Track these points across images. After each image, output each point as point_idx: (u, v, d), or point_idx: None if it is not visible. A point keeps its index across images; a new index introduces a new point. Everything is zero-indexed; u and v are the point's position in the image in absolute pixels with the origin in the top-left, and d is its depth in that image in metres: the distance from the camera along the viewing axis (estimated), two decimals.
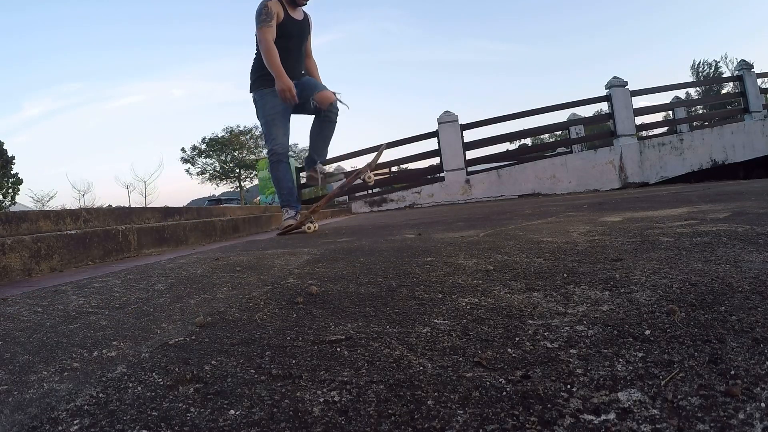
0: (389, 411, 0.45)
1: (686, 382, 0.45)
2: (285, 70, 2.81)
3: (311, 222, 2.97)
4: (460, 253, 1.34)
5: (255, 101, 3.03)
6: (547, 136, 13.32)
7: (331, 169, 3.22)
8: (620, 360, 0.51)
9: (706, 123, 10.49)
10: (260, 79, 2.94)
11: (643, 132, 10.12)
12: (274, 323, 0.78)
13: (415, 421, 0.42)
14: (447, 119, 7.73)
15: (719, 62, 28.00)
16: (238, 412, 0.47)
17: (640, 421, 0.39)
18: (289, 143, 3.04)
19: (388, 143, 8.09)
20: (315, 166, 3.16)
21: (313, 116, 3.08)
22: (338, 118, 3.08)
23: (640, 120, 8.22)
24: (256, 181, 24.61)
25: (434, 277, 1.03)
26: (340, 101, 2.98)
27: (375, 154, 3.25)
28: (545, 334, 0.61)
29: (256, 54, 2.98)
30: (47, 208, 10.03)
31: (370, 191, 9.94)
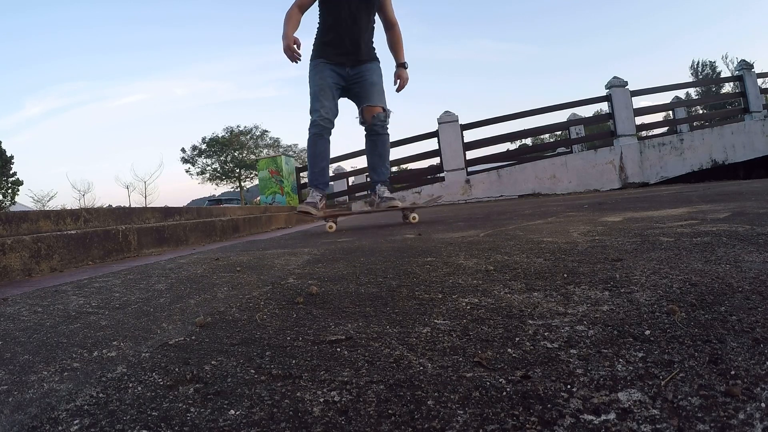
0: (389, 411, 0.45)
1: (686, 382, 0.45)
2: (336, 39, 2.77)
3: (334, 222, 2.95)
4: (461, 253, 1.34)
5: (309, 70, 2.94)
6: (547, 136, 13.35)
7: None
8: (620, 360, 0.51)
9: (707, 123, 10.49)
10: (314, 50, 2.90)
11: (643, 132, 10.13)
12: (274, 323, 0.78)
13: (415, 421, 0.42)
14: (447, 119, 7.74)
15: (715, 62, 28.08)
16: (238, 412, 0.47)
17: (641, 422, 0.39)
18: (334, 120, 2.86)
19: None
20: (375, 188, 3.02)
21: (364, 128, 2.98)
22: (388, 130, 2.95)
23: (640, 120, 8.23)
24: (256, 181, 24.61)
25: (434, 277, 1.03)
26: (386, 114, 2.90)
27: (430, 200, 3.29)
28: (545, 334, 0.61)
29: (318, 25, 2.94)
30: (47, 208, 10.05)
31: (370, 191, 9.94)
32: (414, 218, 2.98)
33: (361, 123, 2.93)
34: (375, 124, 2.88)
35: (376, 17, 2.96)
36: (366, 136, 2.98)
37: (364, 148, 3.03)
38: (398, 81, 2.95)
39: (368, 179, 3.07)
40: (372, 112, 2.85)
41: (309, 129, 2.84)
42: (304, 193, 10.98)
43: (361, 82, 2.88)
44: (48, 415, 0.50)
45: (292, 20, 2.74)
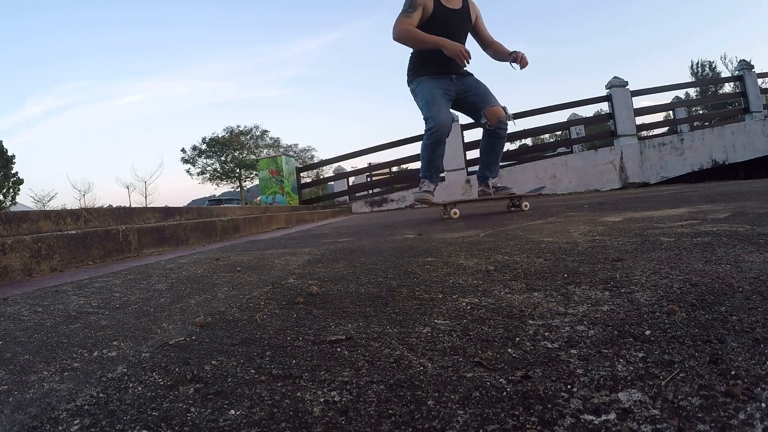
0: (389, 411, 0.45)
1: (687, 382, 0.45)
2: (443, 62, 2.79)
3: (455, 210, 3.13)
4: (461, 253, 1.34)
5: (413, 91, 2.97)
6: (547, 136, 13.33)
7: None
8: (621, 360, 0.51)
9: (707, 123, 10.49)
10: (416, 69, 2.92)
11: (644, 132, 10.12)
12: (274, 323, 0.78)
13: (416, 421, 0.42)
14: None
15: (713, 62, 28.01)
16: (238, 412, 0.47)
17: (641, 422, 0.39)
18: (451, 126, 2.88)
19: (387, 143, 8.11)
20: (487, 182, 3.16)
21: (481, 129, 3.05)
22: (506, 133, 3.02)
23: (640, 120, 8.21)
24: (256, 181, 24.61)
25: (435, 277, 1.03)
26: (508, 116, 2.94)
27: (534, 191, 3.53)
28: (545, 334, 0.61)
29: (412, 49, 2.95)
30: (48, 208, 10.05)
31: (370, 191, 9.94)
32: (526, 206, 3.18)
33: (485, 125, 2.97)
34: (500, 128, 2.94)
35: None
36: (486, 135, 3.04)
37: (486, 144, 3.09)
38: (518, 63, 2.91)
39: (477, 173, 3.21)
40: (497, 114, 2.88)
41: (426, 135, 2.86)
42: (306, 193, 10.98)
43: (474, 90, 2.94)
44: (48, 415, 0.50)
45: (416, 31, 2.73)
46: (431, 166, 2.96)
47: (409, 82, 2.99)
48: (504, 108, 2.92)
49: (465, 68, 2.93)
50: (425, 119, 2.86)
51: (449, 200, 3.50)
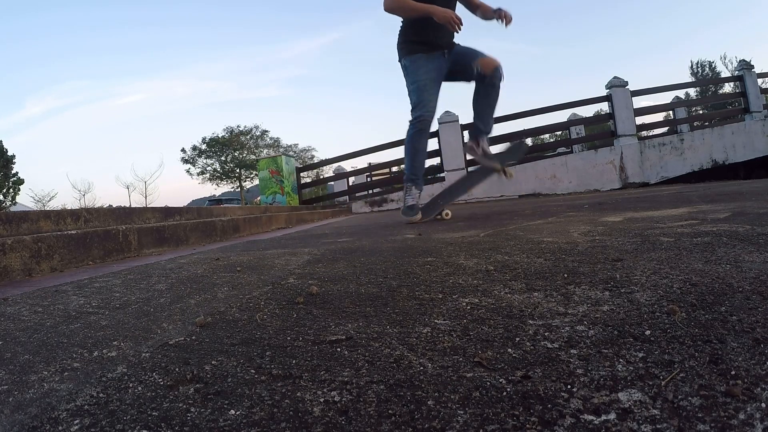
0: (389, 411, 0.45)
1: (687, 382, 0.45)
2: (433, 33, 2.73)
3: (446, 211, 3.04)
4: (461, 253, 1.34)
5: (405, 67, 2.88)
6: (547, 136, 13.34)
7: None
8: (621, 360, 0.51)
9: (707, 123, 10.49)
10: (410, 44, 2.84)
11: (644, 132, 10.12)
12: (274, 323, 0.78)
13: (416, 421, 0.42)
14: (447, 119, 7.73)
15: (713, 62, 28.02)
16: (238, 412, 0.47)
17: (641, 422, 0.39)
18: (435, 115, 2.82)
19: (387, 143, 8.11)
20: (479, 138, 2.97)
21: (474, 84, 2.90)
22: (501, 84, 2.88)
23: (640, 120, 8.21)
24: (256, 181, 24.62)
25: (435, 278, 1.03)
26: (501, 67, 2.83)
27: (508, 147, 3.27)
28: (545, 334, 0.61)
29: (402, 21, 2.89)
30: (48, 208, 10.06)
31: (370, 191, 9.93)
32: (511, 174, 3.04)
33: (479, 75, 2.84)
34: (496, 77, 2.82)
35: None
36: (480, 87, 2.90)
37: (481, 95, 2.94)
38: (502, 19, 2.85)
39: (470, 129, 3.02)
40: (492, 63, 2.78)
41: (412, 124, 2.82)
42: (306, 193, 10.98)
43: (463, 53, 2.86)
44: (48, 415, 0.50)
45: (408, 0, 2.67)
46: (416, 160, 2.90)
47: (401, 57, 2.92)
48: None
49: (454, 38, 2.85)
50: (413, 106, 2.81)
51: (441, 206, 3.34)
